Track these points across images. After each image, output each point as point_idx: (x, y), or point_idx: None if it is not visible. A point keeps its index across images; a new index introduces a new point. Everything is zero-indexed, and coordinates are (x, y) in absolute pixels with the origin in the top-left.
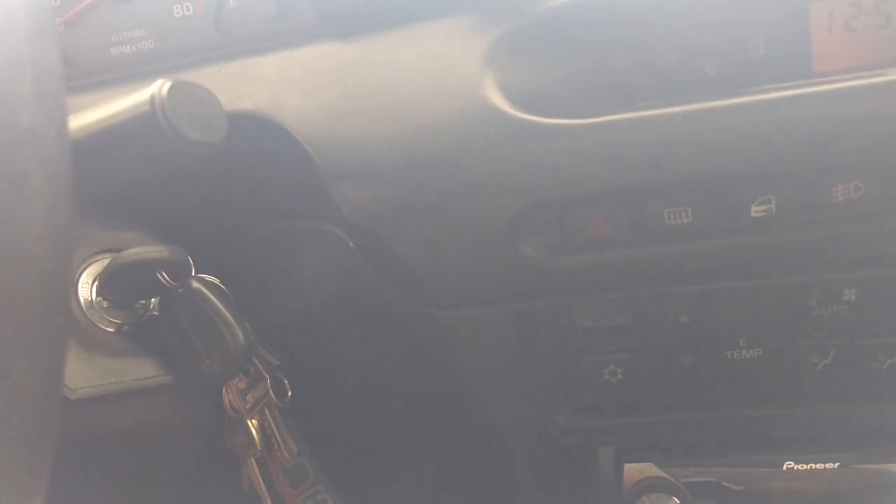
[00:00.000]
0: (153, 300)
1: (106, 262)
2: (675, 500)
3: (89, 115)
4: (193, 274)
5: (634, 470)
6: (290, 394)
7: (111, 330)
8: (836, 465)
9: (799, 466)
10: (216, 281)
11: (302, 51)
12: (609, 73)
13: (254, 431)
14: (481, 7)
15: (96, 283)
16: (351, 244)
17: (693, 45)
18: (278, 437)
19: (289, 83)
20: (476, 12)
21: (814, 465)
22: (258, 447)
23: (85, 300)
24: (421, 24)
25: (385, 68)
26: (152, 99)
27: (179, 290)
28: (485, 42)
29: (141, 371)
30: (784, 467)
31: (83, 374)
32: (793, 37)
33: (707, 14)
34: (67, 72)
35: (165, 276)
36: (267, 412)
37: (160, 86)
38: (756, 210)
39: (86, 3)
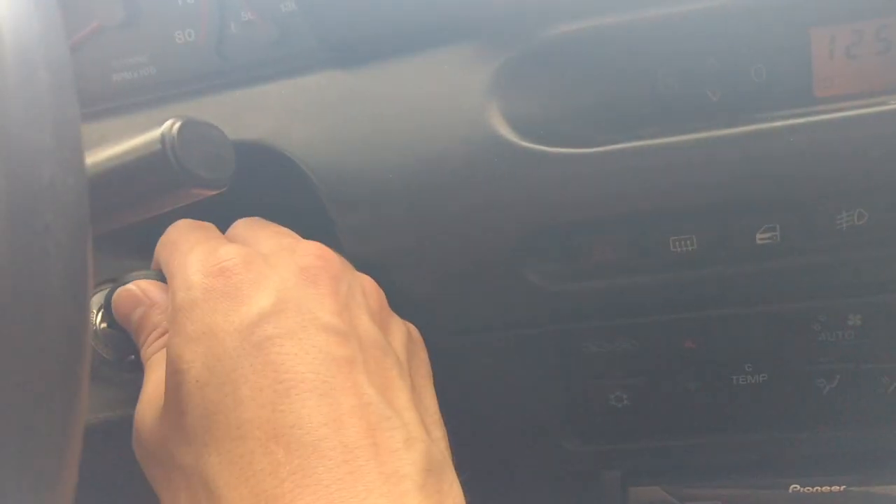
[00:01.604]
0: None
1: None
2: None
3: (99, 153)
4: None
5: (640, 493)
6: None
7: (114, 359)
8: (843, 487)
9: (805, 489)
10: None
11: (305, 79)
12: (613, 100)
13: None
14: (484, 35)
15: (101, 311)
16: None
17: (696, 71)
18: None
19: (292, 112)
20: (479, 40)
21: (820, 488)
22: None
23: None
24: (424, 52)
25: (388, 97)
26: (163, 137)
27: None
28: (488, 70)
29: None
30: (790, 490)
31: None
32: (794, 62)
33: (709, 40)
34: None
35: None
36: None
37: (171, 124)
38: (761, 237)
39: (88, 30)
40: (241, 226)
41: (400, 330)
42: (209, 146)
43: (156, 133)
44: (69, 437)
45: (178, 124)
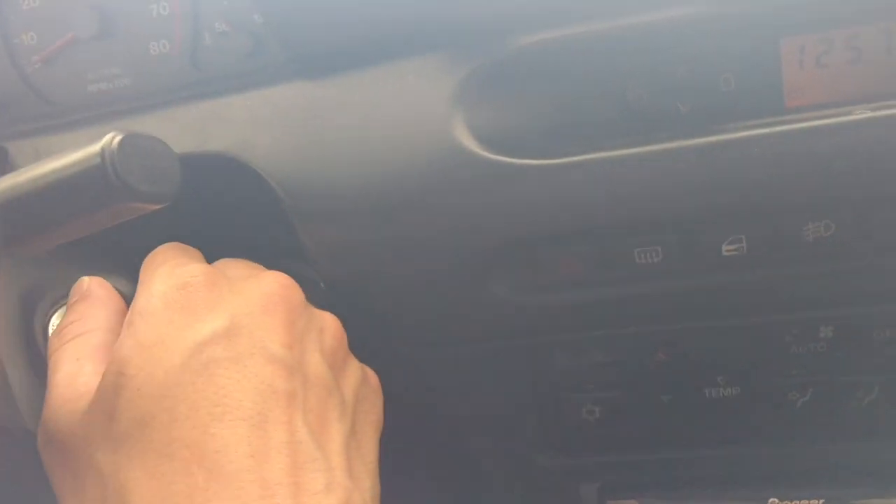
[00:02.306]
0: None
1: None
2: None
3: (40, 167)
4: None
5: None
6: None
7: None
8: (821, 501)
9: (783, 503)
10: None
11: (272, 91)
12: (580, 111)
13: None
14: (450, 46)
15: None
16: (322, 284)
17: (664, 81)
18: None
19: (259, 123)
20: (445, 51)
21: (798, 502)
22: None
23: None
24: (390, 63)
25: (354, 108)
26: (102, 151)
27: None
28: (454, 81)
29: None
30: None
31: None
32: (764, 72)
33: (678, 50)
34: (45, 110)
35: None
36: None
37: (111, 138)
38: (727, 249)
39: (63, 41)
40: (223, 260)
41: (354, 373)
42: (152, 160)
43: (96, 147)
44: None
45: (118, 138)
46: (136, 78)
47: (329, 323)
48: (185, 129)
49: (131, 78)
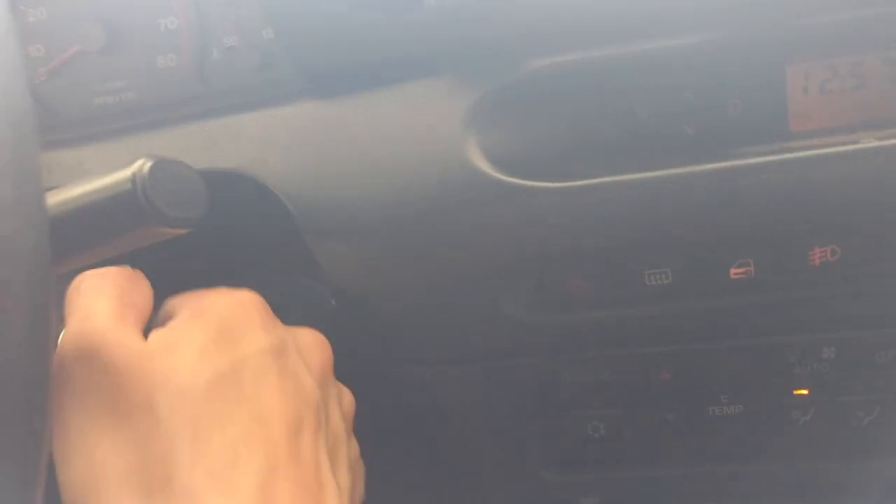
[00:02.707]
0: None
1: None
2: None
3: (69, 191)
4: None
5: None
6: None
7: None
8: None
9: None
10: None
11: (283, 109)
12: (591, 134)
13: None
14: (462, 68)
15: None
16: (333, 301)
17: (672, 106)
18: None
19: (270, 142)
20: (457, 73)
21: None
22: None
23: None
24: (402, 84)
25: (366, 128)
26: (133, 177)
27: None
28: (466, 103)
29: None
30: None
31: None
32: (770, 98)
33: (686, 76)
34: (49, 122)
35: None
36: None
37: (142, 164)
38: (735, 273)
39: (69, 54)
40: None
41: (355, 448)
42: (180, 185)
43: (126, 172)
44: (30, 492)
45: (149, 164)
46: (143, 91)
47: (347, 396)
48: (196, 146)
49: (138, 91)
